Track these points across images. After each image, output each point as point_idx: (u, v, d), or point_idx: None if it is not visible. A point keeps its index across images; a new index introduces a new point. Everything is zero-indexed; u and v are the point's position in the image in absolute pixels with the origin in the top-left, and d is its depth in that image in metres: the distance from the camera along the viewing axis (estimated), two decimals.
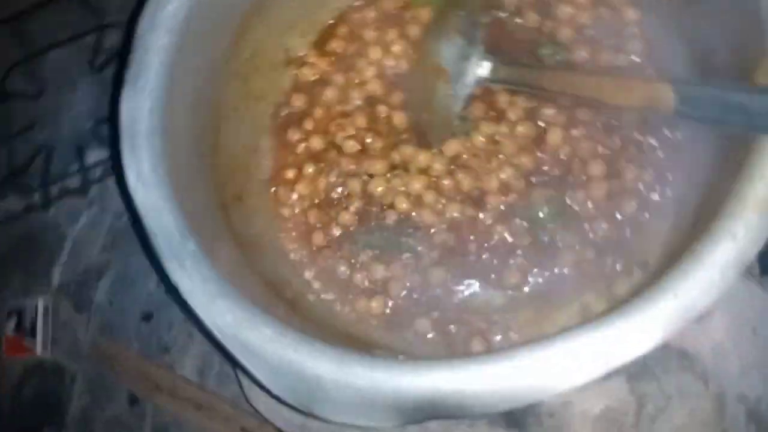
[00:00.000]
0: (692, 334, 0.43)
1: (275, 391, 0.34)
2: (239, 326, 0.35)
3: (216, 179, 0.44)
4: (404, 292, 0.46)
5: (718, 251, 0.33)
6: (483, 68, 0.44)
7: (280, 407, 0.43)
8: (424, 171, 0.47)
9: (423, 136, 0.48)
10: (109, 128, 0.64)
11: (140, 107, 0.38)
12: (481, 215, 0.46)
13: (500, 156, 0.46)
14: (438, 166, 0.47)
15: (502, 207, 0.46)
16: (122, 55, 0.41)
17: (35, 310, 0.64)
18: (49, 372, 0.63)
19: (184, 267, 0.36)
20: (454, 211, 0.46)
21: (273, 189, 0.50)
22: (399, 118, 0.49)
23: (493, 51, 0.45)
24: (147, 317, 0.61)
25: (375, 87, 0.50)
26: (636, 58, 0.48)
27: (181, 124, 0.40)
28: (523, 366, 0.32)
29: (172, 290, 0.36)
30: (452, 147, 0.47)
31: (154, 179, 0.37)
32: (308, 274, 0.48)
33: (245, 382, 0.48)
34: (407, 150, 0.48)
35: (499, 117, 0.47)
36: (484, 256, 0.46)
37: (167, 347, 0.59)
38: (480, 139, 0.47)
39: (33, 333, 0.63)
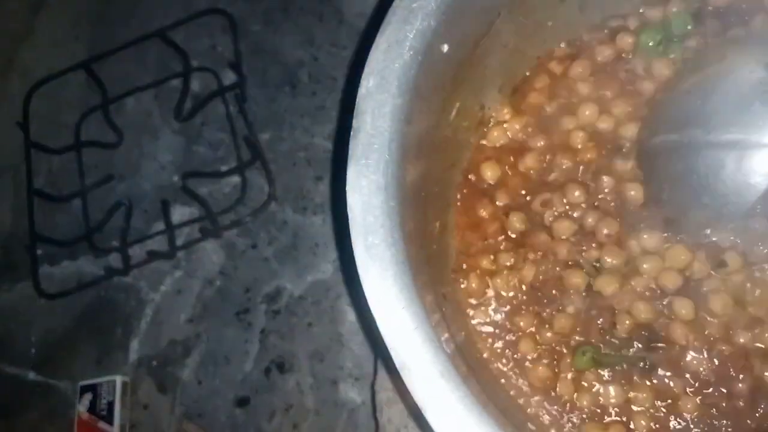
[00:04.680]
0: None
1: None
2: None
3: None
4: (650, 423, 0.36)
5: None
6: None
7: None
8: (680, 271, 0.36)
9: (674, 221, 0.36)
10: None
11: (371, 191, 0.28)
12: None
13: None
14: (700, 267, 0.36)
15: None
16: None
17: (112, 388, 0.55)
18: None
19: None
20: (719, 335, 0.35)
21: (462, 282, 0.39)
22: (636, 193, 0.38)
23: None
24: (242, 402, 0.52)
25: (590, 154, 0.39)
26: None
27: (409, 209, 0.30)
28: None
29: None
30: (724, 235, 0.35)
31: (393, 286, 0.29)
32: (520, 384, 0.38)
33: None
34: (652, 238, 0.36)
35: None
36: (753, 402, 0.34)
37: None
38: None
39: (110, 415, 0.55)
